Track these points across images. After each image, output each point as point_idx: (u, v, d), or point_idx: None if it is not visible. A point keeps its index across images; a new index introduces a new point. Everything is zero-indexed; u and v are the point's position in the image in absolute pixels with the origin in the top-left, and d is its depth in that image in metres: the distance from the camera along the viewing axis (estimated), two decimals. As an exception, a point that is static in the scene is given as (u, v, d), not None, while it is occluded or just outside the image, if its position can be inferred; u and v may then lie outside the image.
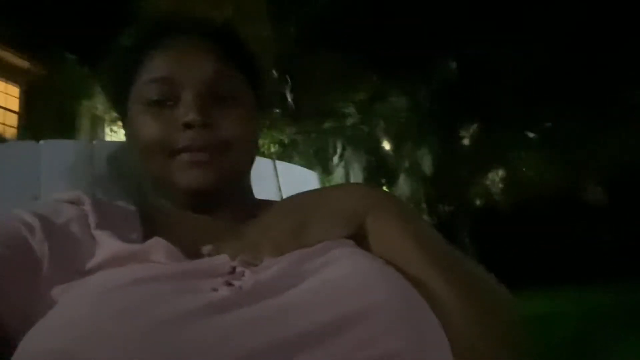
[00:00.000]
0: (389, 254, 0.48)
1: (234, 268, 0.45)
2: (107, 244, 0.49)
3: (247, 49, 0.64)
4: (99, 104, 8.44)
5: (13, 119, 8.35)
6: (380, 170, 9.36)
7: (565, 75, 7.57)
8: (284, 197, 1.04)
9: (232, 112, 0.58)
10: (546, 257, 7.64)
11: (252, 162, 0.63)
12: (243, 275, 0.44)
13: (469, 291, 0.46)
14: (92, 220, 0.52)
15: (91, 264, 0.48)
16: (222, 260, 0.46)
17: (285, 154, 8.93)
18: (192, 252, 0.49)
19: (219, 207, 0.59)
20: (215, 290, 0.41)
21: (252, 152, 0.62)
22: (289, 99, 8.10)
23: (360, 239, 0.50)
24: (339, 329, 0.38)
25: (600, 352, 3.23)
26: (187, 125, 0.54)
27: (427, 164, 8.94)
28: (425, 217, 8.62)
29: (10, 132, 8.18)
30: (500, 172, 9.51)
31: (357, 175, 8.99)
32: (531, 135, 8.96)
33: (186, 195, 0.57)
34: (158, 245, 0.48)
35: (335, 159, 9.38)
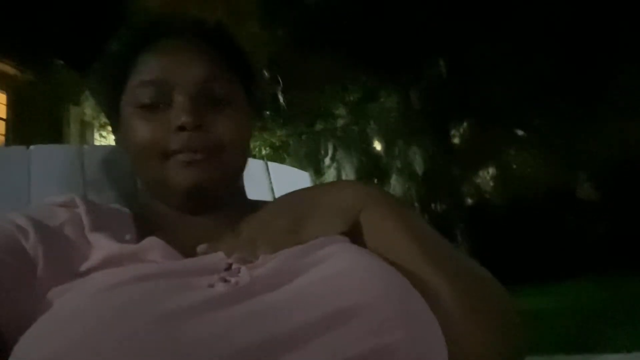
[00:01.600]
0: (384, 249, 0.48)
1: (229, 265, 0.45)
2: (102, 246, 0.49)
3: (240, 51, 0.63)
4: (88, 109, 8.38)
5: (1, 126, 8.27)
6: (372, 170, 9.37)
7: (554, 73, 7.64)
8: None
9: (225, 114, 0.57)
10: (540, 253, 7.69)
11: (245, 163, 0.63)
12: (239, 271, 0.44)
13: (463, 283, 0.47)
14: (85, 222, 0.52)
15: (86, 265, 0.48)
16: (218, 257, 0.47)
17: (277, 156, 8.92)
18: (188, 253, 0.49)
19: (213, 208, 0.59)
20: (211, 286, 0.42)
21: (245, 153, 0.62)
22: (281, 101, 8.08)
23: (355, 235, 0.50)
24: (336, 323, 0.38)
25: (594, 346, 3.25)
26: (180, 128, 0.54)
27: (418, 163, 8.97)
28: (418, 216, 8.62)
29: (-2, 139, 8.11)
30: (492, 170, 9.56)
31: (349, 176, 8.99)
32: (520, 132, 9.02)
33: (181, 195, 0.57)
34: (154, 245, 0.48)
35: (327, 160, 9.38)
